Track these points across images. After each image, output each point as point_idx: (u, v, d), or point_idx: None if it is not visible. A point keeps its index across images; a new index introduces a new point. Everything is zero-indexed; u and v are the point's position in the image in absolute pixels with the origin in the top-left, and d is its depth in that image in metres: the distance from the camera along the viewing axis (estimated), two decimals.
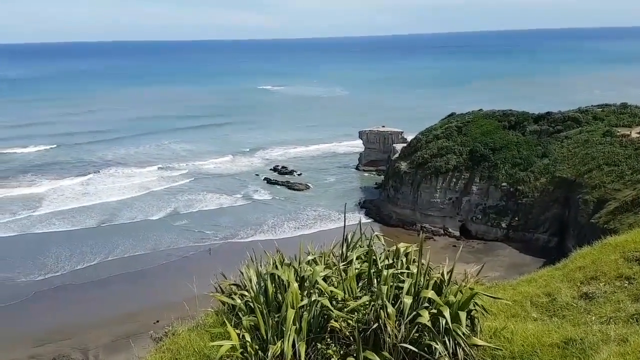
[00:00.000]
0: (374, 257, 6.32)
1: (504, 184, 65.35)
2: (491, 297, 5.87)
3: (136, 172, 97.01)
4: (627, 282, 7.14)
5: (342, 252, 6.83)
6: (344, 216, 8.06)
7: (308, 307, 5.51)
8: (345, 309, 5.55)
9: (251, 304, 5.84)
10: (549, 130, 69.37)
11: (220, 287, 6.70)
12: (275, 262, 6.47)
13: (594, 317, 6.32)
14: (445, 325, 5.27)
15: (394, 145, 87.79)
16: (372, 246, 6.65)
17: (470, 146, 69.88)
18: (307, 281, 5.92)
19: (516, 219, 63.87)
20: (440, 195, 69.95)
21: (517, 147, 67.77)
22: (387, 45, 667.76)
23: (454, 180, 69.39)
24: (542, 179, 62.82)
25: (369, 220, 71.06)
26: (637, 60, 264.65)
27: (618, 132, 64.18)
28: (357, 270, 6.19)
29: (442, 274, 6.00)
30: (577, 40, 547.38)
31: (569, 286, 7.35)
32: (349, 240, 6.99)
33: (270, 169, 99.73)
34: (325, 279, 5.99)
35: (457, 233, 67.43)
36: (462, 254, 59.89)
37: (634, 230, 9.21)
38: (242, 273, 6.55)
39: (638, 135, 62.44)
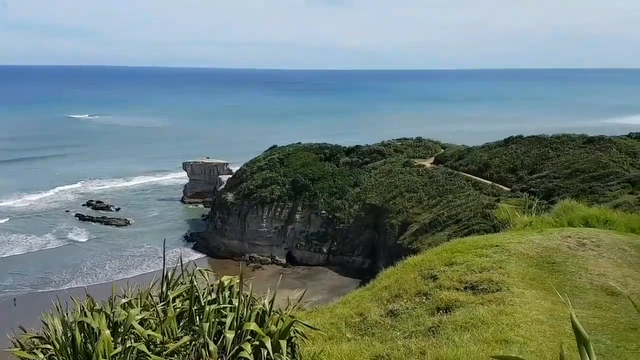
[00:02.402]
0: (196, 294, 6.17)
1: (323, 211, 69.26)
2: (307, 325, 6.13)
3: None
4: (424, 297, 8.03)
5: (162, 291, 6.53)
6: (164, 253, 7.75)
7: (122, 355, 5.14)
8: (164, 352, 5.30)
9: (55, 358, 5.24)
10: (358, 162, 75.84)
11: (20, 342, 5.87)
12: (84, 309, 5.92)
13: (398, 333, 6.98)
14: (267, 355, 5.36)
15: (219, 176, 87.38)
16: (194, 282, 6.48)
17: (292, 177, 72.92)
18: (122, 327, 5.52)
19: (335, 244, 67.98)
20: (267, 224, 71.39)
21: (332, 177, 72.68)
22: (221, 78, 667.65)
23: (279, 209, 71.51)
24: (355, 206, 68.14)
25: (198, 254, 69.39)
26: (432, 100, 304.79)
27: (415, 163, 72.84)
28: (177, 310, 5.97)
29: (264, 304, 6.10)
30: (385, 80, 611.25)
31: (377, 305, 8.03)
32: (169, 278, 6.71)
33: (84, 204, 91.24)
34: (142, 322, 5.66)
35: (284, 260, 69.26)
36: (289, 280, 61.76)
37: (429, 251, 10.48)
38: (45, 324, 5.84)
39: (432, 166, 71.70)
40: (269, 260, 69.31)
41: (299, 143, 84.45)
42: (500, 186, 61.77)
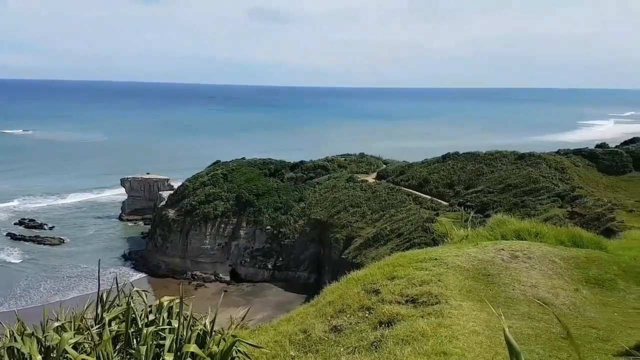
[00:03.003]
0: (133, 315, 5.97)
1: (268, 227, 68.82)
2: (250, 344, 6.06)
3: None
4: (367, 312, 8.13)
5: (98, 313, 6.27)
6: (98, 273, 7.48)
7: None
8: None
9: None
10: (303, 177, 76.11)
11: None
12: (14, 334, 5.59)
13: (342, 349, 7.01)
14: None
15: (160, 192, 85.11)
16: (130, 304, 6.27)
17: (236, 192, 72.15)
18: (54, 351, 5.26)
19: (280, 259, 67.60)
20: (210, 241, 70.10)
21: (277, 192, 72.50)
22: (157, 92, 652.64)
23: (223, 225, 70.45)
24: (300, 221, 68.17)
25: (138, 274, 67.17)
26: (373, 117, 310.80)
27: (358, 178, 73.92)
28: (113, 333, 5.75)
29: (205, 325, 5.99)
30: (327, 97, 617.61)
31: (322, 321, 8.06)
32: (105, 300, 6.46)
33: (15, 223, 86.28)
34: (76, 346, 5.41)
35: (228, 278, 68.11)
36: (233, 298, 60.64)
37: (371, 265, 10.63)
38: None
39: (374, 181, 72.99)
40: (212, 277, 67.89)
41: (243, 158, 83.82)
42: (439, 200, 63.66)
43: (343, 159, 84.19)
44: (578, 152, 71.68)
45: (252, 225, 70.04)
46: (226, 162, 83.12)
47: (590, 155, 69.18)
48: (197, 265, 69.29)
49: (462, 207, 51.23)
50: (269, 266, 67.72)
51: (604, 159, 66.92)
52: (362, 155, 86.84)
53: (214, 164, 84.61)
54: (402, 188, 68.16)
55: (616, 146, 76.43)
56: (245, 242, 69.71)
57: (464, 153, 74.48)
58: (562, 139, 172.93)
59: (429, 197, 65.02)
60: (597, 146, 76.83)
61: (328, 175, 76.12)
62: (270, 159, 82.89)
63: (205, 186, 74.38)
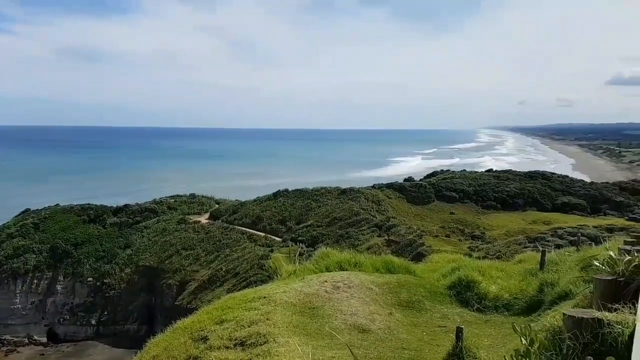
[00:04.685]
0: None
1: (89, 279, 62.94)
2: None
3: None
4: None
5: None
6: None
7: None
8: None
9: None
10: (128, 222, 71.49)
11: None
12: None
13: None
14: None
15: None
16: None
17: (51, 243, 65.03)
18: None
19: (105, 313, 62.00)
20: (21, 300, 61.75)
21: (99, 240, 67.05)
22: None
23: (36, 281, 62.70)
24: (127, 269, 63.60)
25: None
26: (201, 157, 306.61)
27: (191, 219, 71.94)
28: None
29: None
30: (151, 138, 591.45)
31: None
32: None
33: None
34: None
35: (45, 339, 60.34)
36: None
37: (200, 310, 10.45)
38: None
39: (207, 221, 71.70)
40: (26, 341, 59.59)
41: (57, 205, 75.94)
42: (273, 237, 64.90)
43: (173, 200, 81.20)
44: (390, 185, 79.55)
45: (70, 278, 63.35)
46: (37, 210, 74.53)
47: (400, 188, 77.11)
48: (6, 328, 60.35)
49: (294, 242, 52.99)
50: (93, 322, 61.58)
51: (412, 191, 75.11)
52: (193, 195, 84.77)
53: (22, 212, 75.26)
54: (236, 227, 68.03)
55: (420, 179, 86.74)
56: (64, 298, 62.64)
57: (293, 190, 77.40)
58: (376, 174, 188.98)
59: (263, 234, 65.85)
60: (405, 180, 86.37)
61: (157, 218, 72.64)
62: (89, 204, 76.33)
63: (13, 238, 65.87)
